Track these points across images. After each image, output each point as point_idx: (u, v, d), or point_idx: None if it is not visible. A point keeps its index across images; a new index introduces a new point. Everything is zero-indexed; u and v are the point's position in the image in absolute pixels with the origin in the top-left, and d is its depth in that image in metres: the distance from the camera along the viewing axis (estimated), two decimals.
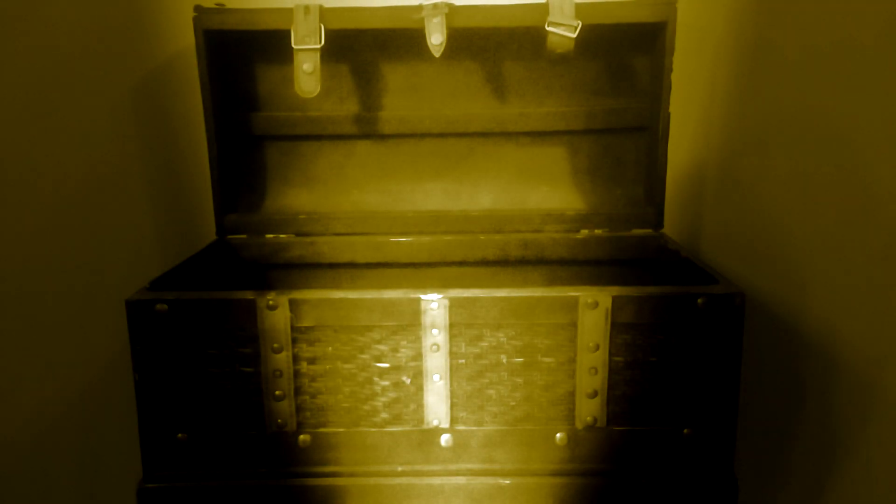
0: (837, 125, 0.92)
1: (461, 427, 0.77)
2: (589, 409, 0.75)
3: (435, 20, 0.93)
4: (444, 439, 0.77)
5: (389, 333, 0.75)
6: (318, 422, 0.76)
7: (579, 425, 0.76)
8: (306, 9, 0.93)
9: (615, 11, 0.95)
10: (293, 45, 0.93)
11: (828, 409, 0.94)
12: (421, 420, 0.76)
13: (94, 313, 0.96)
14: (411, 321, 0.74)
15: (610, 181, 1.08)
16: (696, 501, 0.76)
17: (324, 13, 0.94)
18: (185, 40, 1.01)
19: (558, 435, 0.76)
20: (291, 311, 0.73)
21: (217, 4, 0.98)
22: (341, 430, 0.77)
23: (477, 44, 1.04)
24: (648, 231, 1.04)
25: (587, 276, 1.06)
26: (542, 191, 1.08)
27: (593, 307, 0.73)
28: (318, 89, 0.93)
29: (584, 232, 1.05)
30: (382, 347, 0.75)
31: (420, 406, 0.76)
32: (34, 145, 0.90)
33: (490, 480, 0.77)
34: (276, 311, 0.73)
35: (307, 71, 0.93)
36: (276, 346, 0.74)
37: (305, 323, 0.74)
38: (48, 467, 0.90)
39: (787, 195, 1.02)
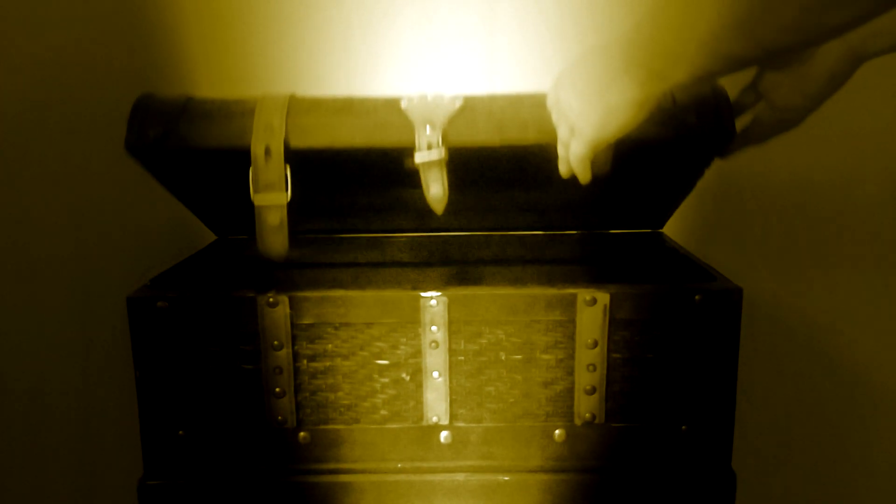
0: (837, 127, 0.93)
1: (460, 424, 0.77)
2: (587, 406, 0.76)
3: (431, 173, 0.75)
4: (444, 436, 0.77)
5: (389, 330, 0.75)
6: (318, 419, 0.77)
7: (578, 422, 0.76)
8: (267, 149, 0.73)
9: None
10: (252, 199, 0.74)
11: (826, 404, 0.94)
12: (420, 417, 0.77)
13: (96, 311, 0.96)
14: (411, 318, 0.74)
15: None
16: (694, 497, 0.77)
17: (289, 144, 0.73)
18: (185, 37, 1.01)
19: (557, 431, 0.77)
20: (291, 308, 0.74)
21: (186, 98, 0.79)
22: (341, 426, 0.77)
23: None
24: (647, 230, 1.04)
25: (586, 274, 1.06)
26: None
27: (591, 304, 0.73)
28: (287, 247, 0.75)
29: (584, 231, 1.06)
30: (382, 345, 0.75)
31: (419, 403, 0.76)
32: (36, 145, 0.91)
33: (489, 477, 0.77)
34: (277, 309, 0.74)
35: (273, 225, 0.75)
36: (276, 343, 0.74)
37: (306, 320, 0.74)
38: (49, 464, 0.90)
39: (786, 195, 1.03)
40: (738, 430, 0.76)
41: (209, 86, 1.04)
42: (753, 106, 0.74)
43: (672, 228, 1.06)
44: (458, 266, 1.08)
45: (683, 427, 0.76)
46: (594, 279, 1.07)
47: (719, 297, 0.73)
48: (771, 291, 1.05)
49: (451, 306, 0.74)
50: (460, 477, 0.77)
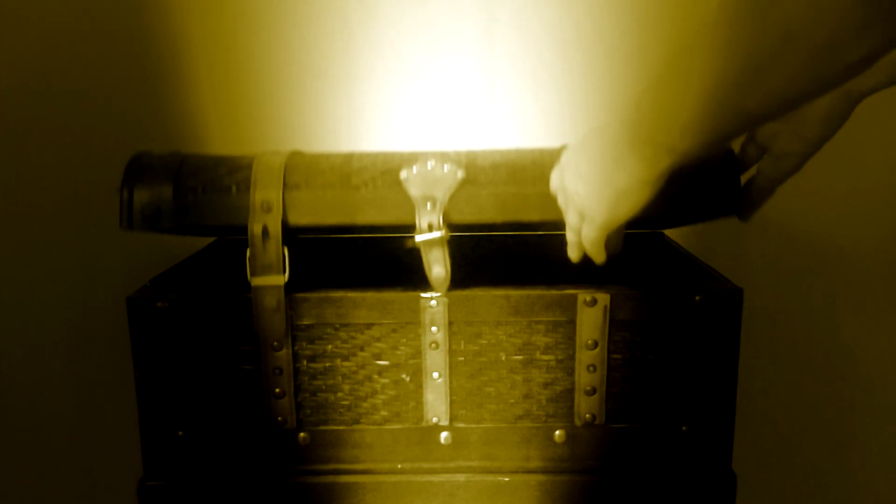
0: (838, 130, 0.93)
1: (460, 424, 0.77)
2: (588, 407, 0.76)
3: (433, 253, 0.74)
4: (444, 437, 0.77)
5: (389, 331, 0.75)
6: (317, 419, 0.77)
7: (578, 422, 0.76)
8: (265, 229, 0.72)
9: None
10: (249, 279, 0.73)
11: (826, 404, 0.94)
12: (420, 418, 0.77)
13: (96, 311, 0.96)
14: (411, 319, 0.74)
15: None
16: (694, 497, 0.77)
17: (287, 222, 0.73)
18: (186, 38, 1.01)
19: (557, 432, 0.77)
20: (291, 308, 0.74)
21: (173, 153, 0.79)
22: (341, 427, 0.77)
23: None
24: (647, 230, 1.04)
25: (586, 274, 1.06)
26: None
27: (591, 304, 0.73)
28: (285, 328, 0.73)
29: None
30: (382, 345, 0.75)
31: (419, 404, 0.76)
32: (36, 145, 0.91)
33: (489, 477, 0.77)
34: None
35: (269, 307, 0.73)
36: (276, 343, 0.74)
37: (305, 321, 0.74)
38: (49, 464, 0.90)
39: (786, 195, 1.03)
40: (738, 430, 0.76)
41: (209, 85, 1.04)
42: (758, 159, 0.72)
43: (672, 229, 1.06)
44: (458, 266, 1.07)
45: (684, 428, 0.76)
46: (594, 280, 1.06)
47: (719, 297, 0.73)
48: (771, 292, 1.05)
49: (451, 307, 0.74)
50: (460, 478, 0.77)
